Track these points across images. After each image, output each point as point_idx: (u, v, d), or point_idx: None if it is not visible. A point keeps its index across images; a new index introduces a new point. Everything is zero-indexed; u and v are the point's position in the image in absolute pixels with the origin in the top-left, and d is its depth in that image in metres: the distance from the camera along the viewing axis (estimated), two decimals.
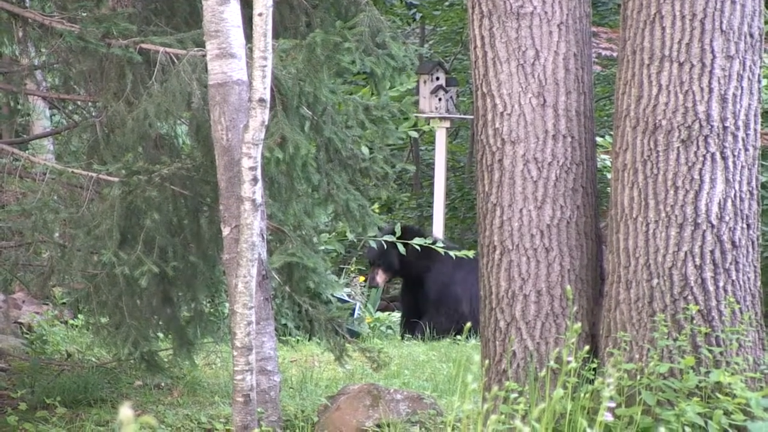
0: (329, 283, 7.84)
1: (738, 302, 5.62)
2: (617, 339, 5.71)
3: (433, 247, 12.03)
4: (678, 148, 5.61)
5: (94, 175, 7.07)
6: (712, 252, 5.60)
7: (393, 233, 12.14)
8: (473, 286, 11.86)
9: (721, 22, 5.60)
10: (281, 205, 7.24)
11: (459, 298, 12.37)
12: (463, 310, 12.30)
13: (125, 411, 2.65)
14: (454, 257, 12.18)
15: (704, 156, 5.59)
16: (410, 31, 22.82)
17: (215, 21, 6.24)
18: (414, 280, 12.56)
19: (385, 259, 12.45)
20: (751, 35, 5.65)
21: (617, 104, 5.84)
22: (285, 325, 11.19)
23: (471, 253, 11.90)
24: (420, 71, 14.85)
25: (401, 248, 12.09)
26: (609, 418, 4.39)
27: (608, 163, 9.56)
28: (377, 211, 10.46)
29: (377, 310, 14.06)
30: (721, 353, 5.56)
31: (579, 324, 5.16)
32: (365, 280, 14.48)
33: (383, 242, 12.19)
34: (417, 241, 12.05)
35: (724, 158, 5.60)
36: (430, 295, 12.43)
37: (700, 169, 5.59)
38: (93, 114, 7.65)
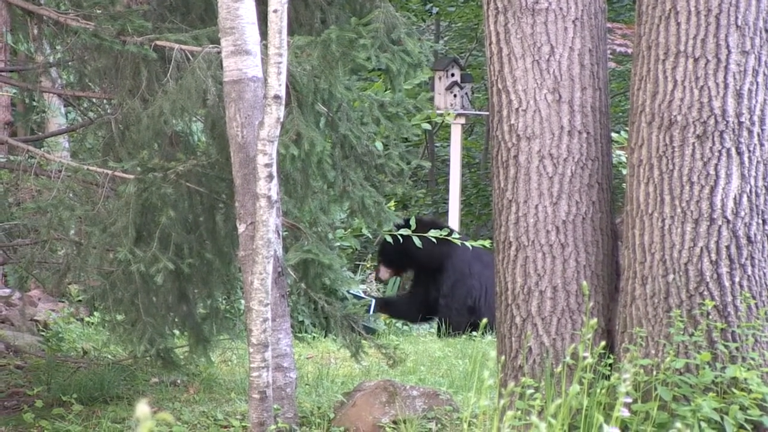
0: (345, 280, 7.84)
1: (754, 297, 5.60)
2: (633, 335, 5.70)
3: (448, 238, 11.97)
4: (693, 143, 5.60)
5: (110, 172, 7.07)
6: (727, 247, 5.59)
7: (407, 226, 11.97)
8: (489, 279, 11.82)
9: (737, 18, 5.58)
10: (297, 201, 7.24)
11: (473, 290, 12.31)
12: (477, 304, 12.26)
13: (142, 408, 2.65)
14: (470, 249, 12.14)
15: (720, 151, 5.58)
16: (425, 28, 22.82)
17: (230, 18, 6.25)
18: (429, 273, 12.45)
19: (385, 254, 12.40)
20: (767, 30, 5.63)
21: (632, 100, 5.83)
22: (301, 321, 11.19)
23: (488, 243, 11.85)
24: (435, 68, 14.86)
25: (416, 241, 11.97)
26: (625, 413, 4.38)
27: (623, 159, 9.53)
28: (392, 207, 10.43)
29: None
30: (737, 348, 5.55)
31: (595, 320, 5.17)
32: None
33: (384, 238, 12.08)
34: (432, 233, 11.99)
35: (739, 154, 5.58)
36: (447, 282, 12.33)
37: (716, 165, 5.58)
38: (108, 111, 7.66)
